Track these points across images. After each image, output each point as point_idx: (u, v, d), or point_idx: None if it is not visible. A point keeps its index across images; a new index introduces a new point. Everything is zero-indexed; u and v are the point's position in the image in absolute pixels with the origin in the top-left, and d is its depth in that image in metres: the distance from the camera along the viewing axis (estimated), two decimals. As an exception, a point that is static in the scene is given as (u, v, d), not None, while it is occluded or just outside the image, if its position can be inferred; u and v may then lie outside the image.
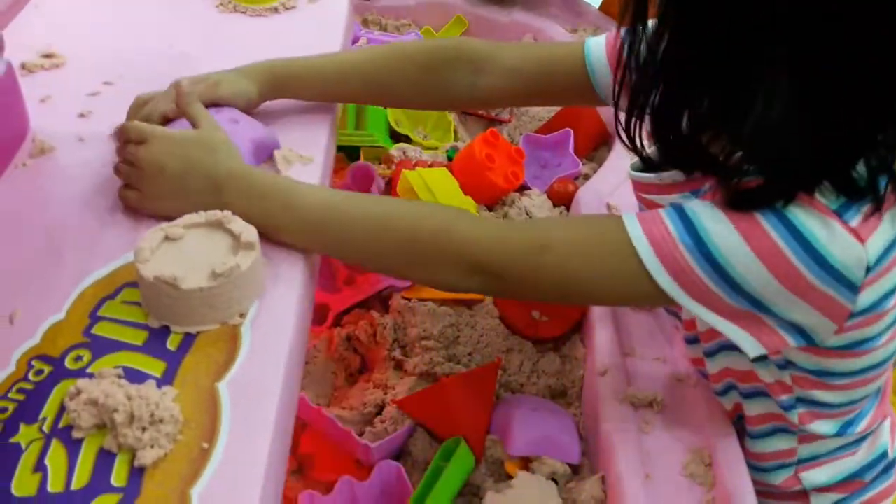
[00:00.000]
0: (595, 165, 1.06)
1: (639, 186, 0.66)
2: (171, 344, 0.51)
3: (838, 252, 0.51)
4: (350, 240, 0.61)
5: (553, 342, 0.83)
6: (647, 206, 0.66)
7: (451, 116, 1.13)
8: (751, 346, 0.56)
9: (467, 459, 0.69)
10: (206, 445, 0.45)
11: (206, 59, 0.79)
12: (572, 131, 1.07)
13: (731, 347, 0.64)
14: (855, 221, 0.51)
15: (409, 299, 0.81)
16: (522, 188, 1.01)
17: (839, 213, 0.51)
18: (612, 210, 0.93)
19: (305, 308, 0.58)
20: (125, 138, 0.63)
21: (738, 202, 0.52)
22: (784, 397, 0.64)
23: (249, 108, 0.72)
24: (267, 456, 0.46)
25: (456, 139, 1.11)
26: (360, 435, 0.73)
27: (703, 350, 0.68)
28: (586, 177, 1.03)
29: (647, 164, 0.64)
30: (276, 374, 0.50)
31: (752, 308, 0.55)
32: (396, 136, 1.11)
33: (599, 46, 0.72)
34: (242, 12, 0.90)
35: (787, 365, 0.61)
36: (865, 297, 0.54)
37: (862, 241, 0.51)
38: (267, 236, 0.58)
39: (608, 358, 0.76)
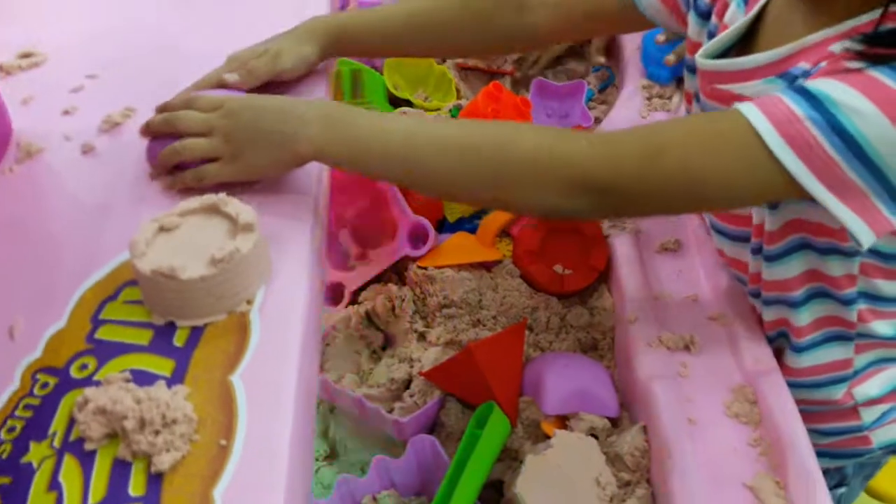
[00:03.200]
0: (605, 108, 1.02)
1: (712, 77, 0.62)
2: (179, 340, 0.49)
3: None
4: (435, 166, 0.58)
5: (579, 295, 0.80)
6: (718, 99, 0.62)
7: (452, 74, 1.09)
8: (865, 234, 0.53)
9: (502, 424, 0.66)
10: (224, 442, 0.43)
11: (192, 43, 0.76)
12: (586, 84, 1.03)
13: (797, 249, 0.61)
14: None
15: (425, 268, 0.78)
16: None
17: None
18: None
19: (315, 287, 0.55)
20: (197, 107, 0.60)
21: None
22: (847, 291, 0.61)
23: (310, 69, 0.72)
24: (288, 447, 0.43)
25: (459, 97, 1.07)
26: (390, 412, 0.70)
27: (767, 255, 0.64)
28: (598, 120, 0.99)
29: (721, 54, 0.62)
30: (290, 360, 0.48)
31: (874, 181, 0.51)
32: (396, 102, 1.07)
33: None
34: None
35: (857, 252, 0.59)
36: None
37: None
38: (356, 171, 0.59)
39: (637, 304, 0.73)
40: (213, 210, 0.52)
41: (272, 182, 0.61)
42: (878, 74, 0.50)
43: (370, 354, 0.77)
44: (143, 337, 0.49)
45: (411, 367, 0.73)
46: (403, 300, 0.76)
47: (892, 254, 0.59)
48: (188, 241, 0.50)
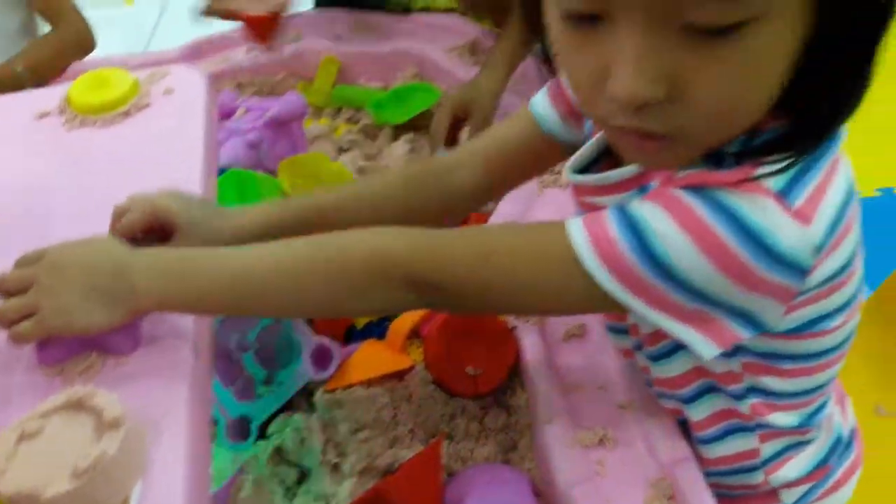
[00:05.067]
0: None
1: (580, 190, 0.63)
2: (51, 557, 0.46)
3: (785, 240, 0.48)
4: (276, 292, 0.57)
5: (494, 394, 0.79)
6: (588, 210, 0.62)
7: (350, 170, 1.09)
8: (704, 346, 0.53)
9: (425, 556, 0.64)
10: None
11: (60, 184, 0.73)
12: None
13: (675, 350, 0.61)
14: (798, 202, 0.48)
15: (332, 391, 0.76)
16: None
17: (784, 195, 0.48)
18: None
19: (199, 467, 0.52)
20: (19, 265, 0.58)
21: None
22: (735, 387, 0.61)
23: None
24: None
25: (356, 192, 1.06)
26: (310, 554, 0.68)
27: (648, 355, 0.64)
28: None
29: (587, 166, 0.62)
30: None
31: (700, 304, 0.51)
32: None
33: (543, 102, 0.70)
34: (92, 125, 0.84)
35: (735, 351, 0.58)
36: (816, 276, 0.51)
37: (807, 222, 0.49)
38: (203, 313, 0.58)
39: (550, 401, 0.72)
40: (78, 406, 0.50)
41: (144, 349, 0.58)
42: (694, 202, 0.49)
43: (284, 493, 0.74)
44: (13, 559, 0.46)
45: (328, 502, 0.70)
46: (312, 431, 0.74)
47: (771, 353, 0.58)
48: (51, 449, 0.48)
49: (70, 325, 0.56)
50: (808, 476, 0.68)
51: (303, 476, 0.75)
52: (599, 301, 0.53)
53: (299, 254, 0.58)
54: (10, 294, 0.57)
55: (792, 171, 0.49)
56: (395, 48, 1.26)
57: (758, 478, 0.67)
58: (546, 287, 0.55)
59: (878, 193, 2.05)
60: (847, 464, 0.72)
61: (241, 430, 0.78)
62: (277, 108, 1.04)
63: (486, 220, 0.92)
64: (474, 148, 0.75)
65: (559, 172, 0.97)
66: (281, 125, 1.06)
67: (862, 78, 0.47)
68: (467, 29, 1.28)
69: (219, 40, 1.30)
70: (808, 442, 0.67)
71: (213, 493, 0.74)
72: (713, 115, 0.47)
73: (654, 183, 0.55)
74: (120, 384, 0.55)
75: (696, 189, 0.50)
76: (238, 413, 0.79)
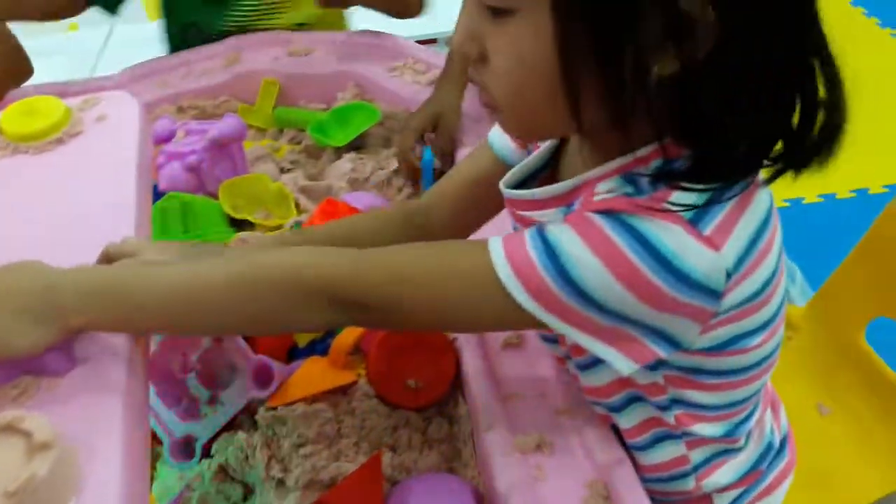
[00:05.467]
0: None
1: (514, 204, 0.64)
2: (-16, 582, 0.46)
3: (695, 264, 0.50)
4: (206, 310, 0.58)
5: (437, 406, 0.80)
6: (523, 224, 0.64)
7: (291, 190, 1.09)
8: (622, 363, 0.55)
9: (369, 567, 0.65)
10: None
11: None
12: None
13: (599, 361, 0.62)
14: (710, 229, 0.51)
15: (275, 408, 0.77)
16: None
17: (693, 223, 0.51)
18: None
19: (134, 485, 0.52)
20: None
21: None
22: (659, 398, 0.63)
23: None
24: None
25: (299, 212, 1.07)
26: (255, 571, 0.68)
27: (576, 364, 0.66)
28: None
29: (524, 180, 0.65)
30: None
31: (616, 323, 0.53)
32: (238, 222, 1.06)
33: (498, 134, 0.73)
34: (24, 152, 0.84)
35: (657, 365, 0.60)
36: (730, 299, 0.53)
37: (717, 248, 0.51)
38: (130, 332, 0.59)
39: (489, 410, 0.73)
40: (9, 429, 0.50)
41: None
42: (608, 226, 0.52)
43: (230, 511, 0.75)
44: (-56, 586, 0.46)
45: (272, 519, 0.71)
46: (256, 448, 0.74)
47: (693, 368, 0.60)
48: (-19, 472, 0.48)
49: (5, 347, 0.55)
50: (739, 481, 0.71)
51: (248, 492, 0.76)
52: (518, 318, 0.54)
53: (231, 271, 0.58)
54: None
55: (702, 203, 0.51)
56: (336, 69, 1.28)
57: (690, 484, 0.69)
58: (465, 304, 0.56)
59: (852, 195, 2.12)
60: (778, 470, 0.74)
61: (186, 449, 0.78)
62: (216, 130, 1.05)
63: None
64: (442, 191, 0.78)
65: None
66: (221, 147, 1.06)
67: (754, 111, 0.50)
68: (406, 48, 1.30)
69: (158, 65, 1.30)
70: (737, 450, 0.69)
71: (160, 510, 0.74)
72: (506, 86, 0.55)
73: (577, 202, 0.57)
74: (54, 406, 0.55)
75: (610, 213, 0.52)
76: (182, 433, 0.79)
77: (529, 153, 0.68)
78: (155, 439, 0.77)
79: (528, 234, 0.55)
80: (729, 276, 0.52)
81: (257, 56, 1.31)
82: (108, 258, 0.68)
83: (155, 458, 0.80)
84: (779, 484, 0.74)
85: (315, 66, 1.28)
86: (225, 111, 1.24)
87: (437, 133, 1.09)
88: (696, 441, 0.66)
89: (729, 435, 0.66)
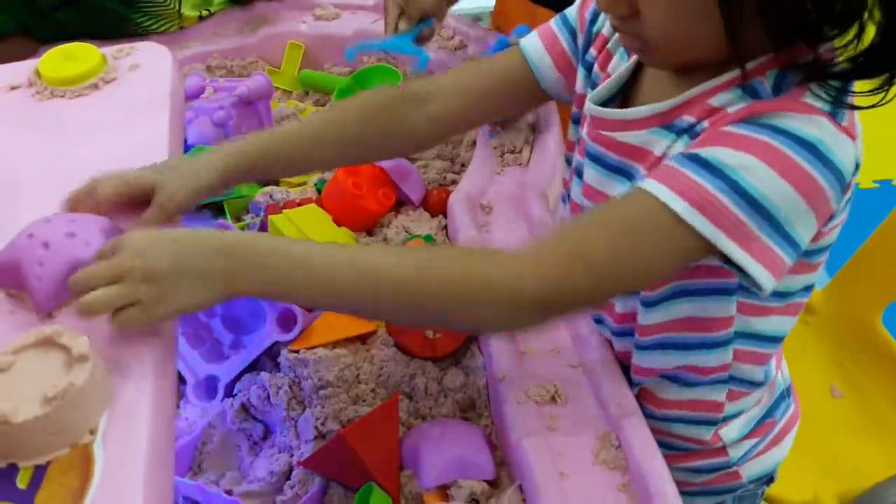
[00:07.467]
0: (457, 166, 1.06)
1: (598, 123, 0.66)
2: (21, 482, 0.48)
3: (838, 151, 0.53)
4: (355, 300, 0.58)
5: (453, 356, 0.82)
6: (604, 145, 0.65)
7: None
8: (767, 279, 0.56)
9: (384, 503, 0.67)
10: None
11: (32, 152, 0.74)
12: None
13: (678, 294, 0.65)
14: (844, 122, 0.54)
15: (297, 351, 0.79)
16: (399, 204, 0.99)
17: (833, 115, 0.54)
18: (486, 209, 0.93)
19: (162, 404, 0.54)
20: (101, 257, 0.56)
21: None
22: (723, 332, 0.65)
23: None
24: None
25: (322, 171, 1.08)
26: (273, 505, 0.70)
27: (644, 300, 0.67)
28: (454, 182, 1.02)
29: (604, 103, 0.66)
30: (134, 488, 0.47)
31: (772, 230, 0.54)
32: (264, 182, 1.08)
33: (536, 46, 0.75)
34: (61, 96, 0.86)
35: (738, 289, 0.62)
36: (843, 198, 0.56)
37: (854, 138, 0.55)
38: (285, 300, 0.59)
39: (504, 361, 0.75)
40: (49, 343, 0.52)
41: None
42: (754, 132, 0.53)
43: (250, 447, 0.77)
44: (-16, 484, 0.48)
45: (291, 456, 0.73)
46: (279, 388, 0.76)
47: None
48: (22, 380, 0.50)
49: (174, 309, 0.55)
50: (751, 433, 0.73)
51: (267, 431, 0.78)
52: (695, 251, 0.55)
53: (381, 264, 0.58)
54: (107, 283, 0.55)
55: (832, 101, 0.54)
56: (361, 33, 1.29)
57: (709, 433, 0.71)
58: (649, 259, 0.56)
59: (875, 185, 2.12)
60: (790, 414, 0.76)
61: (209, 389, 0.80)
62: (244, 86, 1.07)
63: (447, 195, 0.95)
64: (457, 76, 0.78)
65: (520, 151, 1.01)
66: (248, 104, 1.08)
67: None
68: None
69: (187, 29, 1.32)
70: (755, 402, 0.72)
71: (183, 443, 0.77)
72: (661, 31, 0.57)
73: (687, 119, 0.59)
74: (92, 331, 0.57)
75: (750, 121, 0.54)
76: (206, 374, 0.81)
77: (598, 76, 0.69)
78: (179, 379, 0.79)
79: (681, 165, 0.55)
80: (856, 169, 0.55)
81: (285, 19, 1.32)
82: (88, 191, 0.66)
83: (178, 397, 0.82)
84: (787, 433, 0.76)
85: (342, 30, 1.29)
86: (252, 71, 1.25)
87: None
88: (736, 392, 0.69)
89: (762, 382, 0.69)
